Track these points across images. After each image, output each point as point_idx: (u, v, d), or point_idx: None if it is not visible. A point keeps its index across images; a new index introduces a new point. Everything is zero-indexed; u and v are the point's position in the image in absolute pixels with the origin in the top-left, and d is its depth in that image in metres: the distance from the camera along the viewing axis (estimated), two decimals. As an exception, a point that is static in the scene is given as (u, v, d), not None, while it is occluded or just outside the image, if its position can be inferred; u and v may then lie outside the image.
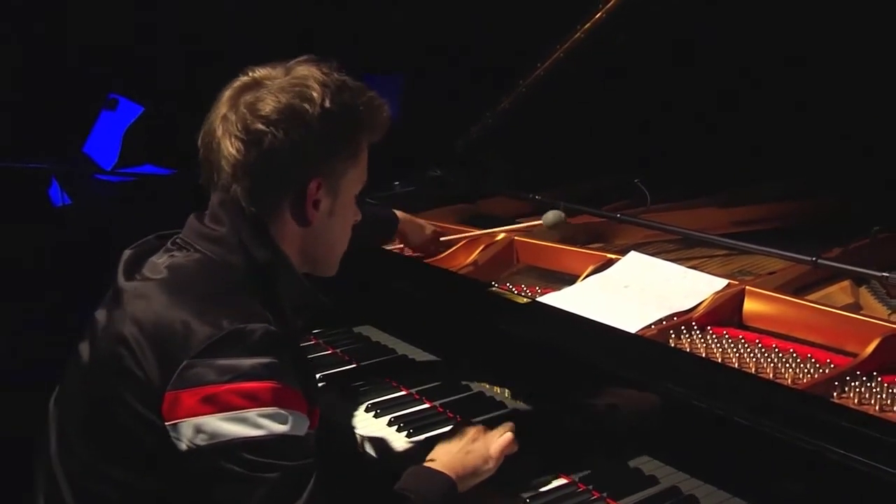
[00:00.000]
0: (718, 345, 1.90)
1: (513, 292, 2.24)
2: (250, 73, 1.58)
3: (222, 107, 1.56)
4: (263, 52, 1.66)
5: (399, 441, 1.99)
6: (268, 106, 1.52)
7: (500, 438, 1.76)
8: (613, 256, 2.29)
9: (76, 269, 3.38)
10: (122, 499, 1.51)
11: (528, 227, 2.61)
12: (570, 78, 2.94)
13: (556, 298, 2.11)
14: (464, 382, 2.18)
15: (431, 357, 2.29)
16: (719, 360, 1.85)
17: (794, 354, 1.84)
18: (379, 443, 1.99)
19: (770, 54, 2.84)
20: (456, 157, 3.19)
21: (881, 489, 1.36)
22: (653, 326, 1.97)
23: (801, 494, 1.49)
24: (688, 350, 1.90)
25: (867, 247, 2.32)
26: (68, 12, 4.06)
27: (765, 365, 1.82)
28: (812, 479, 1.47)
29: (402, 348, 2.39)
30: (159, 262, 1.57)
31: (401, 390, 2.20)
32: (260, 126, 1.51)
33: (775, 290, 2.04)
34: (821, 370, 1.77)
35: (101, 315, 1.58)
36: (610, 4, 2.72)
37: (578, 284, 2.21)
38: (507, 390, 2.08)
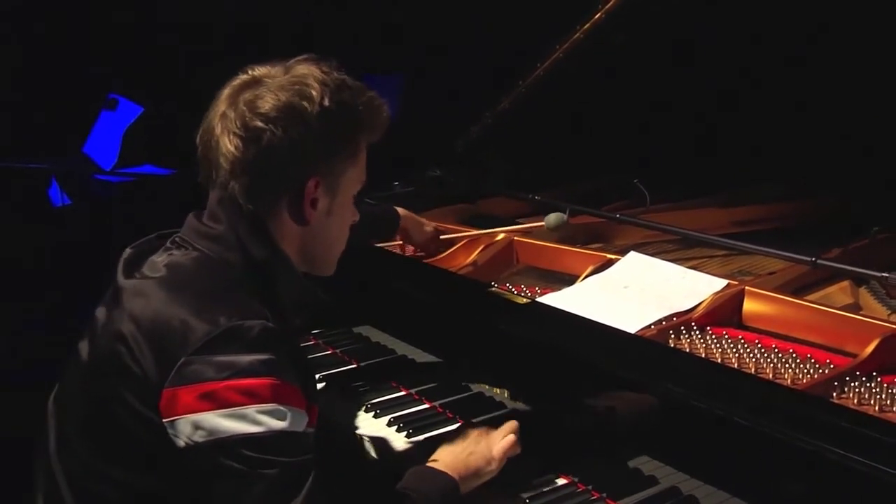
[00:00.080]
0: (718, 345, 1.90)
1: (512, 292, 2.25)
2: (250, 72, 1.58)
3: (221, 105, 1.56)
4: (263, 51, 1.66)
5: (399, 441, 1.99)
6: (267, 104, 1.52)
7: (503, 440, 1.76)
8: (613, 257, 2.29)
9: (76, 269, 3.39)
10: (122, 497, 1.51)
11: (528, 228, 2.61)
12: (570, 78, 2.94)
13: (556, 299, 2.11)
14: (463, 383, 2.18)
15: (431, 357, 2.29)
16: (719, 360, 1.85)
17: (794, 355, 1.84)
18: (379, 443, 1.99)
19: (770, 54, 2.84)
20: (456, 157, 3.19)
21: (880, 489, 1.36)
22: (652, 327, 1.97)
23: (800, 495, 1.49)
24: (687, 350, 1.90)
25: (867, 247, 2.32)
26: (68, 12, 4.06)
27: (764, 365, 1.82)
28: (811, 479, 1.47)
29: (402, 349, 2.39)
30: (158, 261, 1.57)
31: (400, 390, 2.20)
32: (259, 123, 1.51)
33: (775, 290, 2.04)
34: (820, 370, 1.77)
35: (100, 313, 1.58)
36: (609, 4, 2.72)
37: (578, 285, 2.21)
38: (506, 391, 2.08)
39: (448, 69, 3.93)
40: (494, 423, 1.83)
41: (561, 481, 1.79)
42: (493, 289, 2.21)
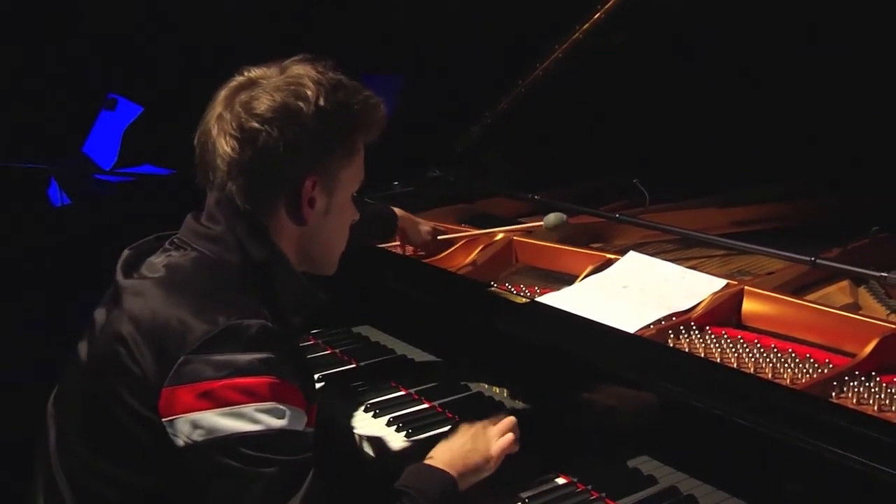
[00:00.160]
0: (717, 345, 1.90)
1: (512, 292, 2.25)
2: (246, 73, 1.59)
3: (217, 106, 1.56)
4: (263, 51, 1.66)
5: (398, 441, 1.99)
6: (263, 104, 1.52)
7: (501, 438, 1.76)
8: (612, 256, 2.29)
9: (76, 269, 3.39)
10: (122, 497, 1.51)
11: (527, 227, 2.61)
12: (570, 78, 2.94)
13: (555, 298, 2.12)
14: (463, 382, 2.18)
15: (430, 357, 2.29)
16: (718, 360, 1.85)
17: (793, 354, 1.84)
18: (378, 443, 2.00)
19: (770, 54, 2.84)
20: (456, 157, 3.19)
21: (879, 489, 1.36)
22: (652, 326, 1.97)
23: (799, 494, 1.49)
24: (686, 350, 1.90)
25: (866, 247, 2.32)
26: (68, 12, 4.06)
27: (763, 365, 1.82)
28: (810, 478, 1.47)
29: (402, 348, 2.39)
30: (157, 262, 1.58)
31: (400, 390, 2.21)
32: (255, 124, 1.51)
33: (774, 290, 2.04)
34: (819, 370, 1.77)
35: (99, 314, 1.58)
36: (609, 4, 2.72)
37: (577, 284, 2.21)
38: (505, 390, 2.08)
39: (448, 69, 3.93)
40: (493, 422, 1.83)
41: (560, 481, 1.79)
42: (493, 288, 2.21)
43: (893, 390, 1.67)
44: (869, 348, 1.75)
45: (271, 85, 1.54)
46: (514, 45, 3.41)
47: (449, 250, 2.53)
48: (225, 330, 1.43)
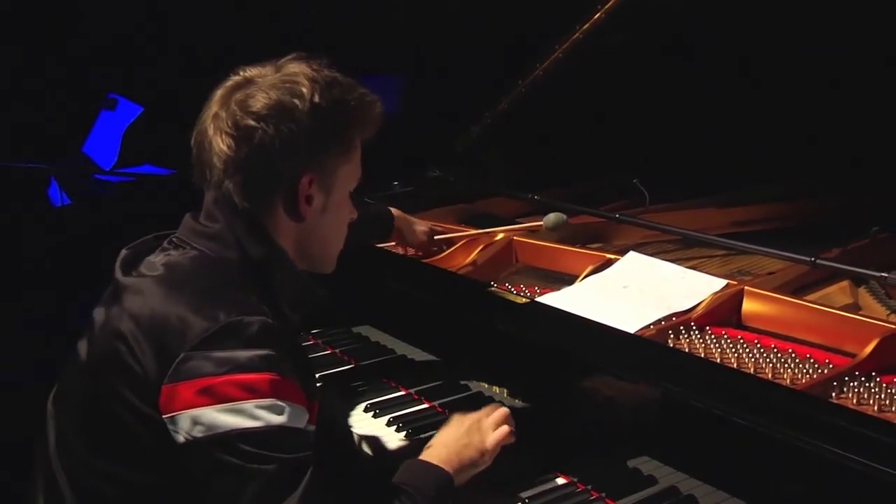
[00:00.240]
0: (717, 345, 1.90)
1: (511, 292, 2.25)
2: (241, 73, 1.60)
3: (213, 106, 1.57)
4: (263, 51, 1.66)
5: (398, 441, 1.99)
6: (258, 102, 1.53)
7: (496, 431, 1.75)
8: (612, 256, 2.29)
9: (76, 269, 3.38)
10: (122, 495, 1.51)
11: (527, 227, 2.61)
12: (570, 78, 2.94)
13: (555, 298, 2.11)
14: (462, 382, 2.18)
15: (430, 357, 2.29)
16: (718, 360, 1.85)
17: (793, 354, 1.84)
18: (378, 443, 1.99)
19: (770, 54, 2.84)
20: (456, 157, 3.19)
21: (879, 489, 1.36)
22: (652, 326, 1.97)
23: (799, 494, 1.49)
24: (687, 350, 1.90)
25: (866, 247, 2.32)
26: (68, 12, 4.06)
27: (763, 365, 1.82)
28: (810, 479, 1.47)
29: (401, 348, 2.39)
30: (156, 261, 1.58)
31: (400, 390, 2.21)
32: (250, 122, 1.52)
33: (774, 290, 2.04)
34: (819, 370, 1.77)
35: (98, 313, 1.59)
36: (609, 4, 2.72)
37: (577, 284, 2.21)
38: (505, 390, 2.08)
39: (448, 69, 3.93)
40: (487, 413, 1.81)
41: (560, 481, 1.79)
42: (493, 288, 2.21)
43: (893, 390, 1.67)
44: (869, 348, 1.75)
45: (267, 83, 1.55)
46: (514, 45, 3.41)
47: (448, 251, 2.53)
48: (225, 326, 1.44)
